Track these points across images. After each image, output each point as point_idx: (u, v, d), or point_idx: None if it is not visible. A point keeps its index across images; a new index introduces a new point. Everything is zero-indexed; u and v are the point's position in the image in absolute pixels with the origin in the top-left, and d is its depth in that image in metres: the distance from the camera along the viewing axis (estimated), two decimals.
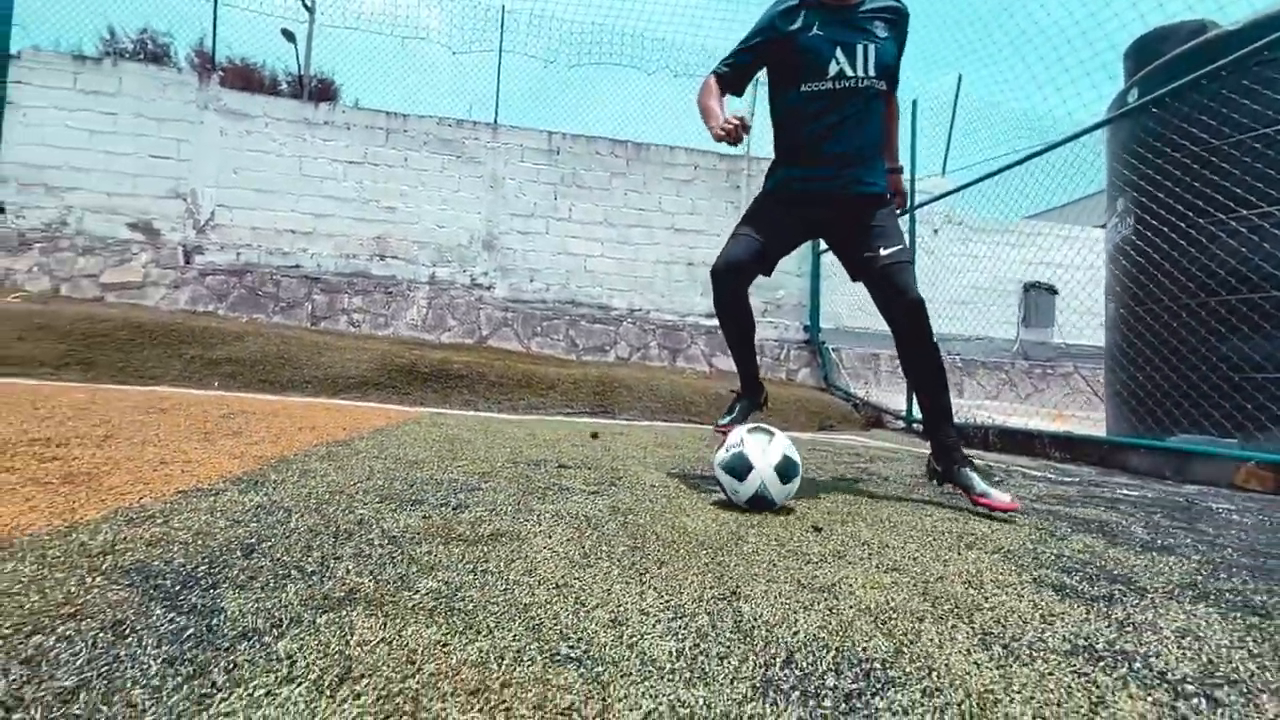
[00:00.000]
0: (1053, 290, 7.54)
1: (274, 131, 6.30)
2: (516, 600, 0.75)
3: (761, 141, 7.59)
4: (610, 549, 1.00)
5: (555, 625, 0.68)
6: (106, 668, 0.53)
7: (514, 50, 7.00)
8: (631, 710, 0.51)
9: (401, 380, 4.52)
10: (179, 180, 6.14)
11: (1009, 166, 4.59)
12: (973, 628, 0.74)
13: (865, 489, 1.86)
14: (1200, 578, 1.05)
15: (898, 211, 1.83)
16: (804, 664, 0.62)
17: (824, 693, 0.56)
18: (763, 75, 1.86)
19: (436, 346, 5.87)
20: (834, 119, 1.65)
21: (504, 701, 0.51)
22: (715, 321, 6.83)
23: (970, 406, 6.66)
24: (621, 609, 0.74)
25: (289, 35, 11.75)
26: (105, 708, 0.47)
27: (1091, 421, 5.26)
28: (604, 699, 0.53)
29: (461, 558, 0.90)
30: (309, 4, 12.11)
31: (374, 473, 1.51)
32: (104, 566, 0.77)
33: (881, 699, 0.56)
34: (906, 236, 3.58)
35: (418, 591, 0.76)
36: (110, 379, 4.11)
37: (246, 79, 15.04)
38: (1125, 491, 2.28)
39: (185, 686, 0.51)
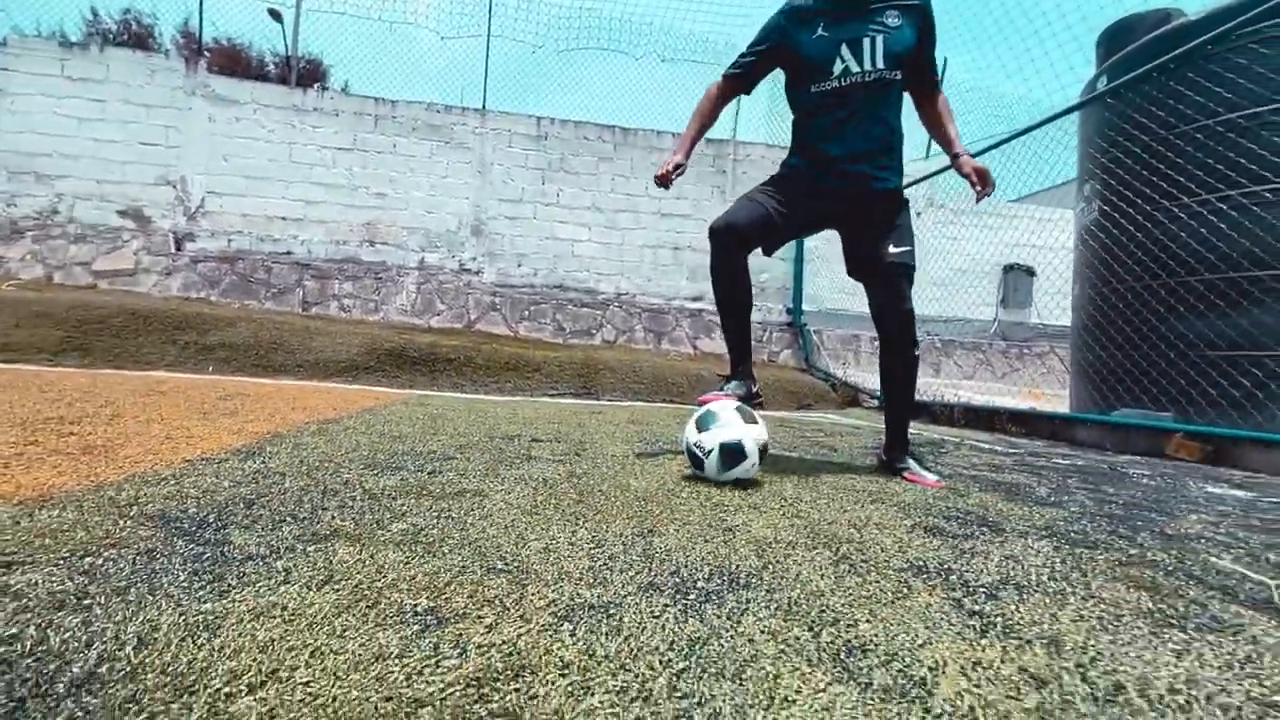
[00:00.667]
0: (1031, 272, 7.71)
1: (263, 118, 6.35)
2: (469, 537, 0.93)
3: (746, 127, 7.69)
4: (558, 502, 1.18)
5: (496, 552, 0.86)
6: (147, 576, 0.70)
7: (502, 35, 7.04)
8: (541, 600, 0.69)
9: (391, 364, 4.68)
10: (168, 167, 6.20)
11: (985, 150, 4.72)
12: (834, 553, 0.92)
13: (812, 458, 2.05)
14: (1063, 524, 1.24)
15: (977, 189, 1.72)
16: (684, 574, 0.80)
17: (692, 591, 0.74)
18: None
19: (425, 331, 6.01)
20: (842, 114, 1.64)
21: (446, 594, 0.69)
22: (699, 305, 7.00)
23: (945, 386, 6.88)
24: (553, 542, 0.92)
25: (276, 15, 11.60)
26: (150, 597, 0.65)
27: (1063, 399, 5.47)
28: (522, 594, 0.70)
29: (430, 509, 1.08)
30: None
31: (360, 445, 1.68)
32: (131, 514, 0.94)
33: (734, 595, 0.74)
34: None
35: (389, 530, 0.93)
36: (107, 364, 4.25)
37: (233, 60, 14.85)
38: (1058, 460, 2.49)
39: (208, 586, 0.68)
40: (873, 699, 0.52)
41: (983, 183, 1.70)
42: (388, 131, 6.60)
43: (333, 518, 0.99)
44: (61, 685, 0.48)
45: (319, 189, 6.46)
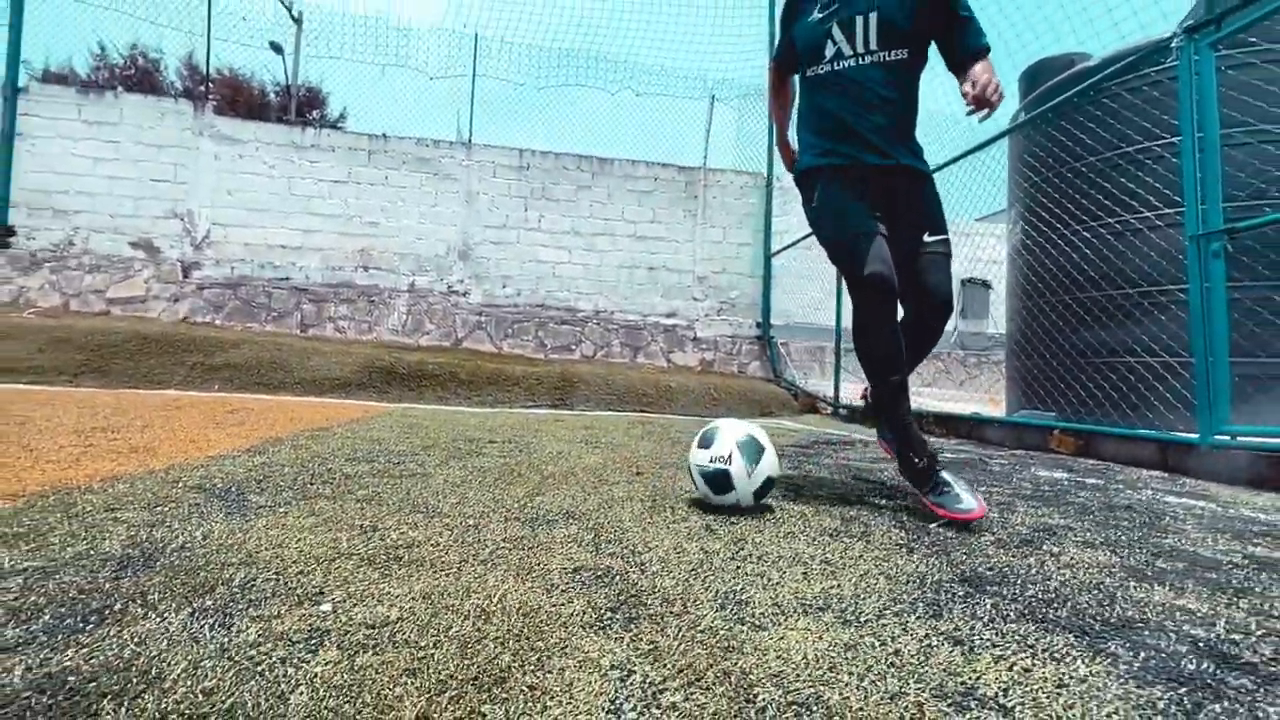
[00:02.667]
0: (987, 285, 8.19)
1: (264, 154, 6.86)
2: (409, 498, 1.36)
3: (715, 155, 8.20)
4: (481, 479, 1.61)
5: (423, 504, 1.29)
6: (200, 513, 1.14)
7: (487, 75, 7.58)
8: (440, 523, 1.12)
9: (381, 380, 5.12)
10: (177, 201, 6.69)
11: (936, 170, 5.19)
12: (642, 508, 1.36)
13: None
14: (873, 496, 1.68)
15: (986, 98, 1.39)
16: (540, 514, 1.23)
17: (541, 523, 1.18)
18: None
19: (415, 349, 6.46)
20: (843, 99, 1.52)
21: (382, 520, 1.12)
22: (673, 320, 7.48)
23: (934, 391, 7.31)
24: (465, 499, 1.35)
25: (277, 47, 12.25)
26: (204, 521, 1.08)
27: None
28: (429, 522, 1.14)
29: (386, 483, 1.51)
30: (296, 16, 12.62)
31: (344, 446, 2.11)
32: (178, 487, 1.38)
33: (564, 523, 1.17)
34: None
35: (355, 495, 1.37)
36: (123, 384, 4.68)
37: (236, 90, 15.44)
38: (946, 455, 2.92)
39: (237, 517, 1.12)
40: None
41: (979, 102, 1.39)
42: (380, 165, 7.11)
43: (317, 489, 1.42)
44: (163, 559, 0.91)
45: (316, 219, 6.95)
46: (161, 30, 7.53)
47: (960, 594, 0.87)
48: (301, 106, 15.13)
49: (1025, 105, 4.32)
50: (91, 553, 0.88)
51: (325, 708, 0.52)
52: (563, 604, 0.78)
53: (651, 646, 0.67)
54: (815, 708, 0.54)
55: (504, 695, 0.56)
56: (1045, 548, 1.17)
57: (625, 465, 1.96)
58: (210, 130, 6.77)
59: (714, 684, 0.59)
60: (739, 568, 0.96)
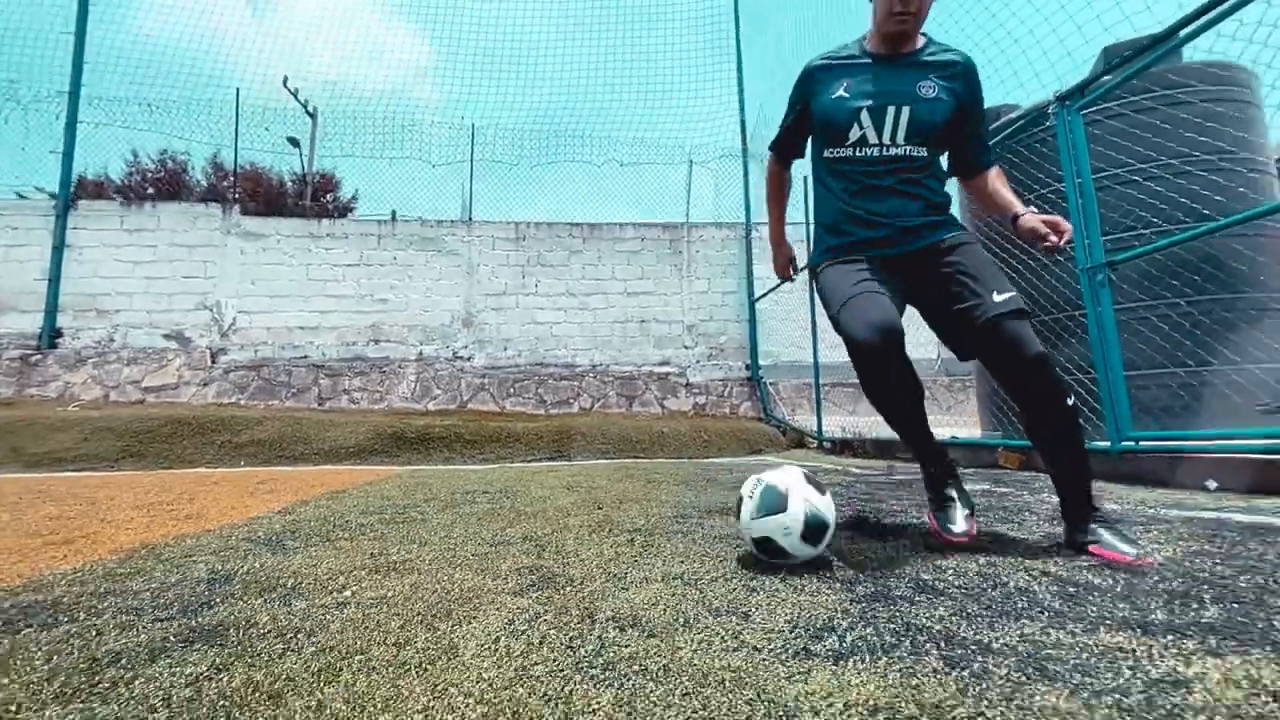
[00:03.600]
0: None
1: (284, 245, 7.57)
2: (407, 535, 1.74)
3: (696, 213, 8.83)
4: (468, 521, 1.99)
5: (417, 539, 1.67)
6: (251, 557, 1.53)
7: (484, 159, 8.37)
8: (427, 551, 1.50)
9: (392, 446, 5.54)
10: (205, 294, 7.37)
11: None
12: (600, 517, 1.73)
13: (695, 486, 2.83)
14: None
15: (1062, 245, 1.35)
16: (500, 539, 1.61)
17: (504, 547, 1.55)
18: None
19: (423, 414, 6.90)
20: (862, 188, 1.45)
21: (386, 549, 1.51)
22: (665, 369, 7.90)
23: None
24: (450, 534, 1.73)
25: (294, 142, 13.39)
26: (257, 560, 1.47)
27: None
28: (420, 550, 1.52)
29: (391, 528, 1.89)
30: (311, 111, 13.83)
31: (358, 503, 2.51)
32: (232, 539, 1.77)
33: (537, 563, 1.54)
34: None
35: (366, 536, 1.75)
36: (159, 466, 5.14)
37: (256, 182, 16.68)
38: (868, 474, 3.24)
39: (282, 558, 1.51)
40: None
41: (1057, 231, 1.35)
42: (389, 247, 7.79)
43: (337, 534, 1.81)
44: (237, 577, 1.30)
45: (331, 300, 7.57)
46: (185, 122, 8.48)
47: (797, 571, 1.22)
48: (317, 192, 16.28)
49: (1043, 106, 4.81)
50: (187, 578, 1.27)
51: (351, 630, 0.89)
52: (500, 584, 1.16)
53: (547, 600, 1.04)
54: (633, 624, 0.91)
55: (451, 620, 0.93)
56: (903, 537, 1.52)
57: (592, 504, 2.33)
58: (237, 229, 7.52)
59: (575, 614, 0.95)
60: (636, 560, 1.33)
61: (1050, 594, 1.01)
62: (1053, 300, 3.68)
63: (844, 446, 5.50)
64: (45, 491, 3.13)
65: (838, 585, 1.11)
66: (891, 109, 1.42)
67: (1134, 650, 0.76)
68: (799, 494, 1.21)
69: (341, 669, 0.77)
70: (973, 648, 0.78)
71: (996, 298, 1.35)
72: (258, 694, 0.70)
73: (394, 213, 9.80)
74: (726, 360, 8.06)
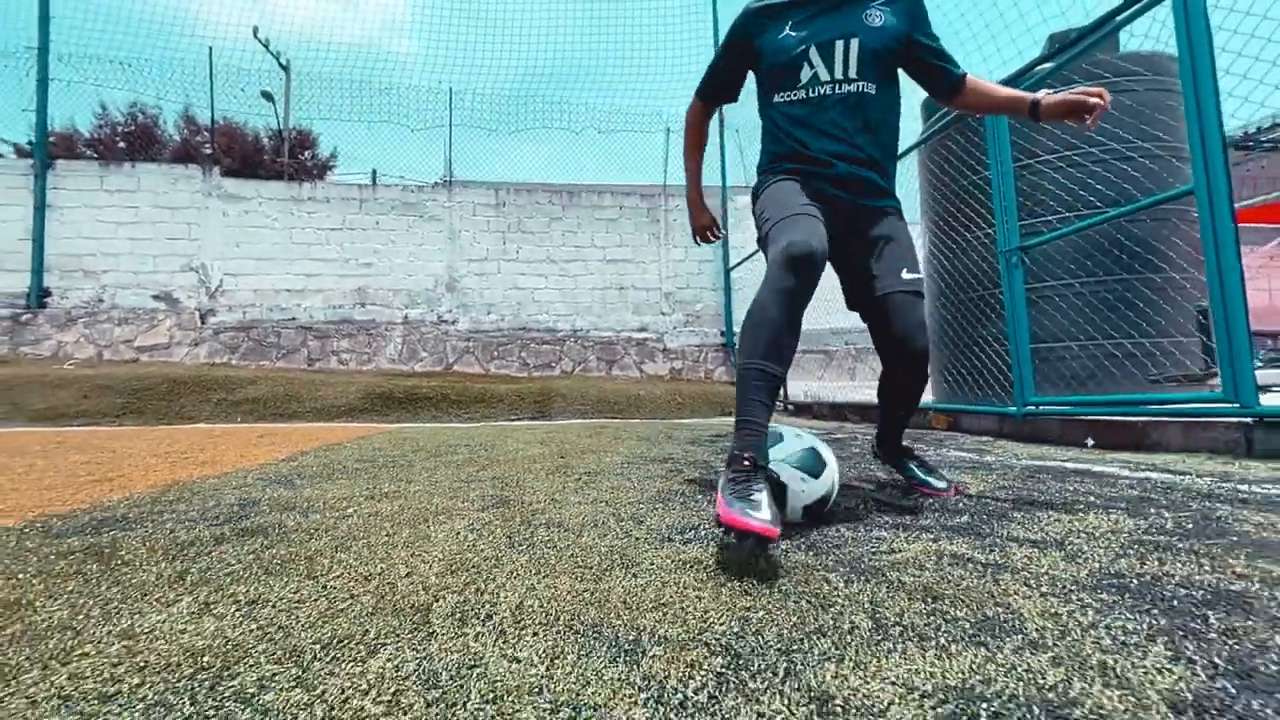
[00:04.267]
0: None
1: (267, 209, 7.67)
2: (396, 476, 2.09)
3: (676, 172, 8.97)
4: (447, 466, 2.34)
5: (405, 478, 2.03)
6: (269, 491, 1.88)
7: (463, 124, 8.42)
8: (409, 488, 1.86)
9: (381, 405, 5.87)
10: (191, 257, 7.49)
11: None
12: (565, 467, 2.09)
13: (654, 442, 3.21)
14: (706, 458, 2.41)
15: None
16: (482, 493, 1.97)
17: (483, 502, 1.92)
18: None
19: (410, 375, 7.21)
20: (814, 131, 1.41)
21: (378, 486, 1.86)
22: (644, 335, 8.24)
23: (860, 388, 8.04)
24: (433, 475, 2.08)
25: (268, 96, 13.13)
26: (274, 496, 1.82)
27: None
28: (406, 487, 1.88)
29: (383, 471, 2.25)
30: (284, 64, 13.51)
31: (353, 454, 2.85)
32: (249, 479, 2.12)
33: (508, 505, 1.91)
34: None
35: (362, 477, 2.10)
36: (160, 422, 5.43)
37: (230, 138, 16.32)
38: (834, 434, 3.64)
39: (294, 491, 1.86)
40: None
41: (1087, 110, 1.35)
42: (370, 211, 7.91)
43: (337, 476, 2.16)
44: (261, 503, 1.65)
45: (316, 263, 7.73)
46: (158, 80, 8.37)
47: (697, 498, 1.60)
48: (294, 149, 15.98)
49: (925, 129, 5.09)
50: (221, 503, 1.62)
51: (356, 529, 1.25)
52: (467, 505, 1.52)
53: (500, 513, 1.40)
54: (558, 526, 1.27)
55: (427, 524, 1.29)
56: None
57: (557, 454, 2.70)
58: (218, 191, 7.58)
59: (518, 520, 1.32)
60: (577, 491, 1.69)
61: (863, 509, 1.39)
62: (979, 278, 4.03)
63: (803, 409, 5.93)
64: (63, 443, 3.44)
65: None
66: (840, 42, 1.38)
67: (891, 539, 1.14)
68: (830, 473, 1.31)
69: (350, 546, 1.13)
70: (794, 536, 1.15)
71: (905, 275, 1.42)
72: (297, 559, 1.05)
73: (374, 174, 9.83)
74: (702, 327, 8.40)
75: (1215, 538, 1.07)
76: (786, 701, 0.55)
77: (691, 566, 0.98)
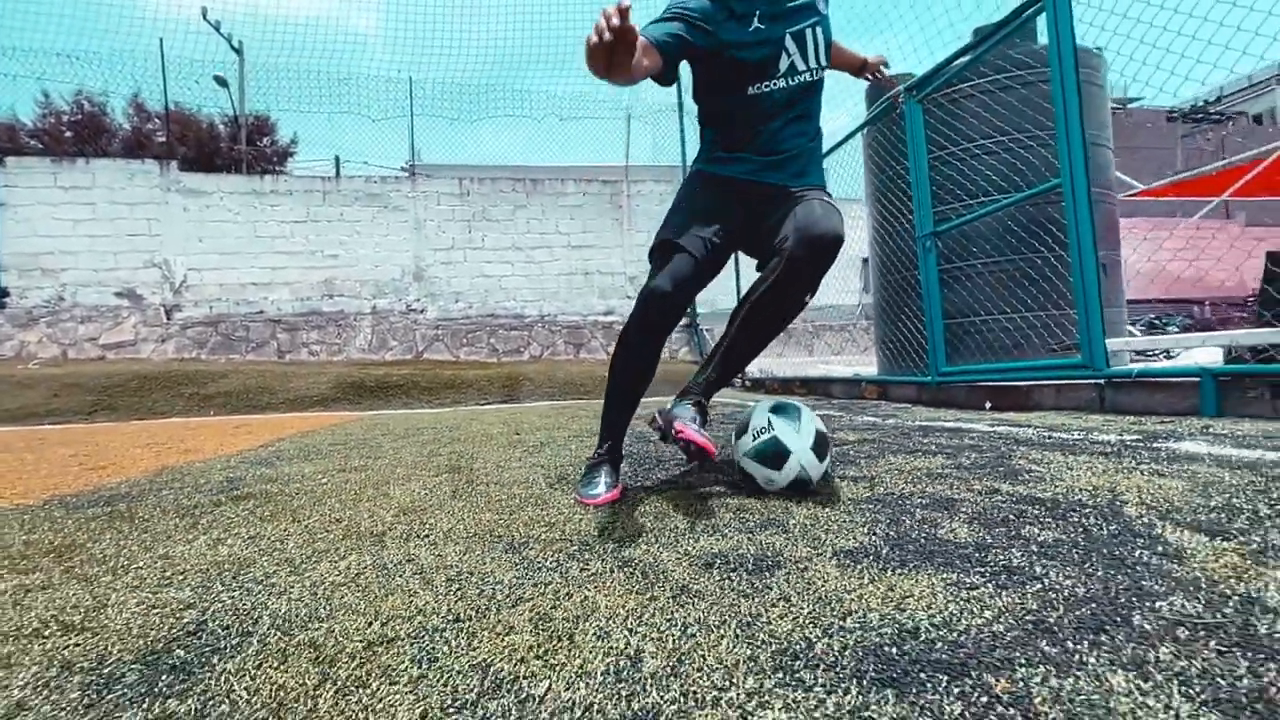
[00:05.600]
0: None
1: (229, 203, 7.67)
2: (366, 453, 2.37)
3: (635, 168, 9.19)
4: (411, 444, 2.63)
5: (373, 455, 2.31)
6: (251, 470, 2.14)
7: (425, 114, 8.47)
8: (376, 461, 2.15)
9: (353, 394, 6.06)
10: (153, 252, 7.48)
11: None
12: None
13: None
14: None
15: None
16: (447, 461, 2.26)
17: (445, 464, 2.21)
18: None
19: (381, 364, 7.39)
20: (784, 119, 1.42)
21: (350, 460, 2.14)
22: (610, 318, 8.52)
23: (818, 362, 8.48)
24: (399, 452, 2.37)
25: (222, 81, 12.82)
26: (257, 474, 2.09)
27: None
28: (374, 459, 2.16)
29: (355, 451, 2.52)
30: (236, 46, 13.18)
31: (327, 439, 3.11)
32: (231, 462, 2.37)
33: (466, 471, 2.20)
34: None
35: (335, 455, 2.37)
36: (133, 417, 5.55)
37: (185, 125, 15.87)
38: (745, 405, 4.02)
39: (274, 469, 2.12)
40: None
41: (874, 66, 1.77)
42: (334, 203, 7.97)
43: (313, 457, 2.42)
44: (246, 480, 1.91)
45: (282, 256, 7.79)
46: (106, 73, 8.17)
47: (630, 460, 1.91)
48: (252, 135, 15.60)
49: (868, 114, 5.41)
50: (211, 481, 1.88)
51: (328, 491, 1.53)
52: (424, 473, 1.81)
53: (451, 478, 1.70)
54: (497, 483, 1.58)
55: (388, 486, 1.58)
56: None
57: (513, 432, 3.00)
58: (178, 186, 7.55)
59: (464, 481, 1.62)
60: (520, 460, 2.00)
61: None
62: (906, 260, 4.40)
63: (757, 384, 6.32)
64: (45, 439, 3.61)
65: (627, 459, 1.81)
66: (809, 31, 1.39)
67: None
68: (796, 459, 1.25)
69: (325, 502, 1.42)
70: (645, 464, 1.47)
71: (801, 190, 1.42)
72: (283, 511, 1.34)
73: (338, 160, 9.79)
74: None
75: (986, 468, 1.43)
76: (606, 565, 0.87)
77: (559, 479, 1.30)
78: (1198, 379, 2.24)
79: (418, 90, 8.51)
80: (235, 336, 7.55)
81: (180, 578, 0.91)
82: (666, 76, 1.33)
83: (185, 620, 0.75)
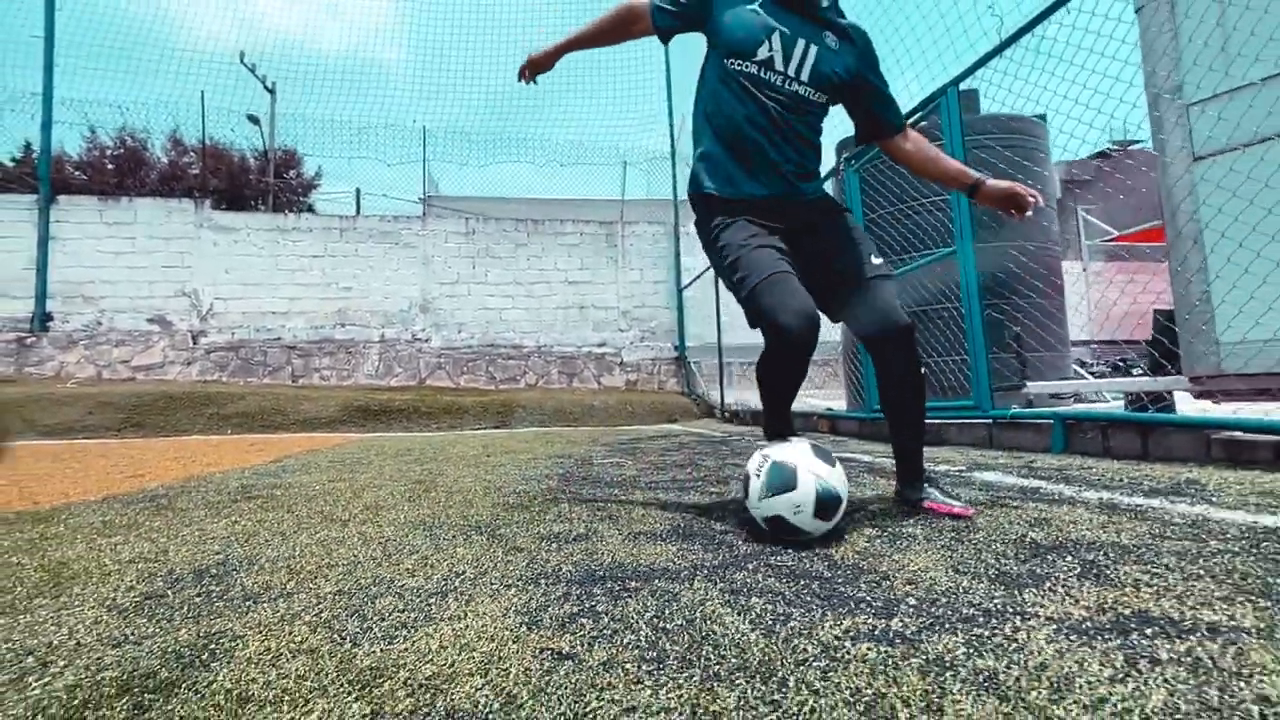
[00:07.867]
0: None
1: (255, 239, 8.37)
2: (363, 469, 2.84)
3: (630, 210, 9.81)
4: (395, 462, 3.10)
5: (367, 471, 2.78)
6: (265, 478, 2.62)
7: (436, 159, 9.21)
8: (361, 475, 2.62)
9: (358, 417, 6.58)
10: (184, 283, 8.16)
11: None
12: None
13: (580, 444, 3.97)
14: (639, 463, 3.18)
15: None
16: (421, 470, 2.73)
17: (424, 483, 2.68)
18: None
19: (386, 390, 7.92)
20: (765, 123, 1.43)
21: (346, 473, 2.61)
22: (602, 350, 9.03)
23: (802, 396, 8.86)
24: (381, 469, 2.84)
25: (254, 119, 13.82)
26: (271, 481, 2.57)
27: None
28: (355, 475, 2.63)
29: (348, 467, 2.99)
30: (269, 87, 14.21)
31: (331, 457, 3.59)
32: (246, 473, 2.85)
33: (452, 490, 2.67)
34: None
35: (337, 469, 2.85)
36: (159, 435, 6.10)
37: (218, 159, 16.96)
38: (728, 440, 4.43)
39: (284, 478, 2.60)
40: None
41: (1018, 207, 1.44)
42: (350, 240, 8.64)
43: (313, 470, 2.90)
44: (259, 486, 2.39)
45: (300, 287, 8.44)
46: (148, 114, 9.01)
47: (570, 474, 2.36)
48: (280, 169, 16.64)
49: (836, 166, 5.94)
50: (230, 486, 2.36)
51: (322, 493, 2.00)
52: (394, 482, 2.27)
53: (418, 485, 2.16)
54: (456, 491, 2.04)
55: (368, 492, 2.04)
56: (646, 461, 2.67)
57: (486, 454, 3.46)
58: (209, 223, 8.28)
59: (427, 488, 2.07)
60: (481, 476, 2.45)
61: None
62: None
63: (734, 416, 6.74)
64: (85, 451, 4.14)
65: (615, 473, 2.26)
66: (801, 42, 1.42)
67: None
68: (807, 469, 1.18)
69: (314, 501, 1.89)
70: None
71: (874, 260, 1.43)
72: (282, 506, 1.81)
73: (359, 193, 10.57)
74: (657, 342, 9.20)
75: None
76: (483, 537, 1.32)
77: (512, 503, 1.75)
78: (1051, 422, 2.65)
79: (430, 137, 9.26)
80: (254, 361, 8.14)
81: (211, 540, 1.38)
82: (663, 36, 1.58)
83: (216, 559, 1.21)
